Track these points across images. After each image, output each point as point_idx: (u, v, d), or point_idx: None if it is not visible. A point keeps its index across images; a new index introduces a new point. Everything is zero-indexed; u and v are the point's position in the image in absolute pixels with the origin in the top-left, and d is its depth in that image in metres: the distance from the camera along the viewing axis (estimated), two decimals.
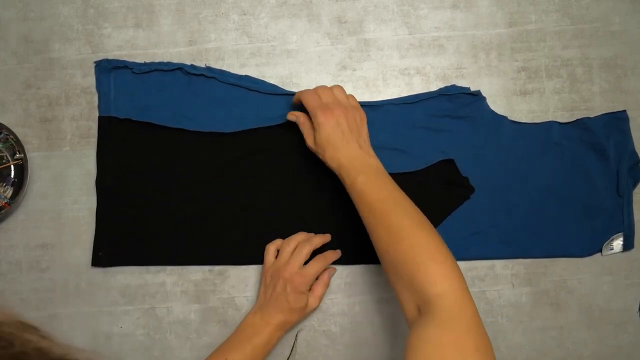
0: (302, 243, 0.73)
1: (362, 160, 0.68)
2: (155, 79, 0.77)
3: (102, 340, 0.76)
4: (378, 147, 0.77)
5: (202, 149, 0.77)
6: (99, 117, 0.77)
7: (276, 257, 0.74)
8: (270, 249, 0.74)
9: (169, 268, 0.77)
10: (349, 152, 0.68)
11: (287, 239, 0.74)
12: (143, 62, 0.78)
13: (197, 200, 0.76)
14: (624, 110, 0.77)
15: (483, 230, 0.76)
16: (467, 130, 0.77)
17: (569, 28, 0.79)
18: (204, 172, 0.77)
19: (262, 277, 0.74)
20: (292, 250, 0.73)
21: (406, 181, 0.76)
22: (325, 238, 0.75)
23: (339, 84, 0.73)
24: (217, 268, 0.77)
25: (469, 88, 0.77)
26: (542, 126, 0.77)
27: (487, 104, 0.78)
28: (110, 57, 0.78)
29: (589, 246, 0.77)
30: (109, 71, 0.77)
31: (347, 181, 0.67)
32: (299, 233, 0.75)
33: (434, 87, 0.78)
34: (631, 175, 0.76)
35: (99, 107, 0.77)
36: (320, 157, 0.70)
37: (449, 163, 0.77)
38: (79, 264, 0.76)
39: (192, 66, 0.78)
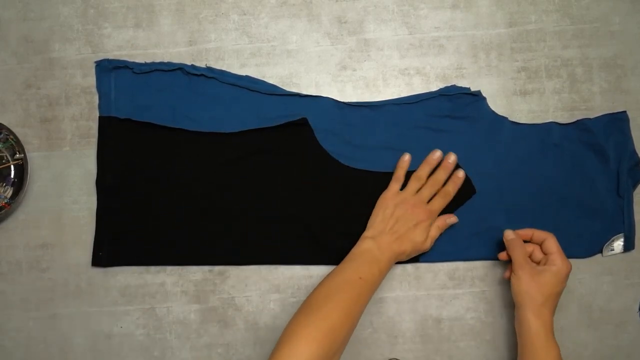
0: (431, 181, 0.74)
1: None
2: (155, 79, 0.77)
3: (102, 340, 0.76)
4: (379, 147, 0.77)
5: (202, 149, 0.77)
6: (99, 117, 0.77)
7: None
8: (397, 182, 0.74)
9: (169, 268, 0.77)
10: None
11: (415, 174, 0.74)
12: (143, 62, 0.78)
13: (197, 200, 0.76)
14: (624, 111, 0.77)
15: (483, 231, 0.76)
16: (467, 131, 0.77)
17: (569, 28, 0.79)
18: (204, 172, 0.77)
19: (382, 205, 0.73)
20: (420, 186, 0.73)
21: (407, 181, 0.76)
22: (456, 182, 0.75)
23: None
24: (217, 268, 0.77)
25: (469, 88, 0.77)
26: (542, 127, 0.77)
27: (487, 104, 0.78)
28: (110, 57, 0.78)
29: (589, 247, 0.77)
30: (110, 71, 0.77)
31: (544, 334, 0.67)
32: (423, 166, 0.75)
33: (434, 87, 0.78)
34: (631, 176, 0.76)
35: (100, 107, 0.77)
36: (524, 299, 0.68)
37: None
38: (79, 264, 0.76)
39: (193, 66, 0.78)
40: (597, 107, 0.78)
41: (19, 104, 0.78)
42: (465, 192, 0.76)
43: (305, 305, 0.64)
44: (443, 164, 0.75)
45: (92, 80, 0.78)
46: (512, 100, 0.79)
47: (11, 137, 0.76)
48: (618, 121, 0.77)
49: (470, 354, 0.76)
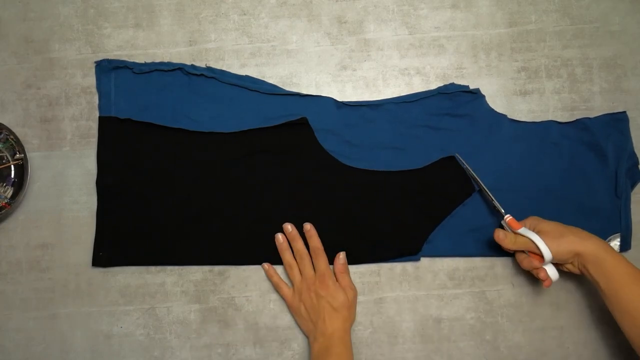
0: (297, 256, 0.75)
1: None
2: (155, 79, 0.77)
3: (102, 340, 0.76)
4: (378, 146, 0.77)
5: (202, 149, 0.77)
6: (99, 117, 0.77)
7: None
8: (284, 287, 0.75)
9: (168, 268, 0.77)
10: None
11: (286, 263, 0.76)
12: (143, 62, 0.78)
13: (197, 200, 0.76)
14: (624, 112, 0.77)
15: (481, 228, 0.76)
16: (467, 129, 0.77)
17: (569, 28, 0.79)
18: (204, 172, 0.77)
19: (294, 313, 0.75)
20: (299, 271, 0.75)
21: (407, 179, 0.76)
22: (308, 238, 0.76)
23: None
24: (217, 268, 0.77)
25: (467, 86, 0.77)
26: (541, 125, 0.78)
27: (486, 102, 0.78)
28: (110, 57, 0.78)
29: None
30: (110, 71, 0.77)
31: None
32: (283, 253, 0.76)
33: (433, 87, 0.78)
34: (629, 176, 0.76)
35: (100, 107, 0.77)
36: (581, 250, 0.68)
37: (450, 160, 0.77)
38: (79, 264, 0.76)
39: (193, 66, 0.78)
40: (597, 107, 0.78)
41: (19, 104, 0.78)
42: (465, 190, 0.76)
43: None
44: (290, 235, 0.76)
45: (92, 80, 0.78)
46: (512, 100, 0.79)
47: (11, 137, 0.76)
48: (617, 121, 0.77)
49: (470, 354, 0.76)
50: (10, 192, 0.75)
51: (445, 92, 0.77)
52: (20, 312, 0.76)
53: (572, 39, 0.79)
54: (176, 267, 0.77)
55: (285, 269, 0.76)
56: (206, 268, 0.77)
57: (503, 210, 0.73)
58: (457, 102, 0.77)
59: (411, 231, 0.76)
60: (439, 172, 0.77)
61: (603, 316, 0.76)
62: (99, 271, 0.76)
